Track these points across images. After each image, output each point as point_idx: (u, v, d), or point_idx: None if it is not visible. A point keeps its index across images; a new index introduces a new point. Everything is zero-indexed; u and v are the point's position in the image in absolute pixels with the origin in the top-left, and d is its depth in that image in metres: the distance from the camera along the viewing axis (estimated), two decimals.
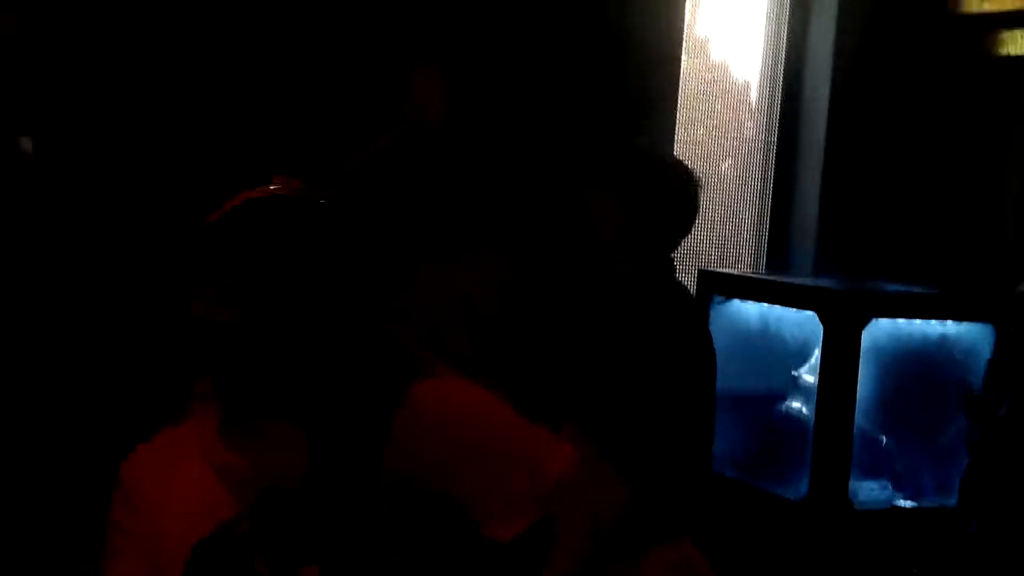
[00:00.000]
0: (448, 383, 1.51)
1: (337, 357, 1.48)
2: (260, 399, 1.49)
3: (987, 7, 3.55)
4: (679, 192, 2.32)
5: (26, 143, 2.50)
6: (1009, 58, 3.58)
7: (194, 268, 1.45)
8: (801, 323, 3.15)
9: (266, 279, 1.44)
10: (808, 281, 3.43)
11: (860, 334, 2.95)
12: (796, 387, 3.17)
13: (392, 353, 1.52)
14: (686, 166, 2.43)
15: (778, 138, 3.75)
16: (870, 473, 3.06)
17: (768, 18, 3.73)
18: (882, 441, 3.11)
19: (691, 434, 2.24)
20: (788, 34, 3.72)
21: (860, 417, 2.98)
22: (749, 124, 3.77)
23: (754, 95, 3.77)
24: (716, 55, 3.66)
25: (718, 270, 3.48)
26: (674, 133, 3.40)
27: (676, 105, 3.42)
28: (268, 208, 1.49)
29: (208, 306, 1.44)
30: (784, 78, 3.74)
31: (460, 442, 1.47)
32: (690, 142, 3.50)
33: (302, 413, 1.48)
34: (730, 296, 3.28)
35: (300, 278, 1.45)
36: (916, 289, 3.29)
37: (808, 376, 3.14)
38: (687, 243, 3.53)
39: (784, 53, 3.73)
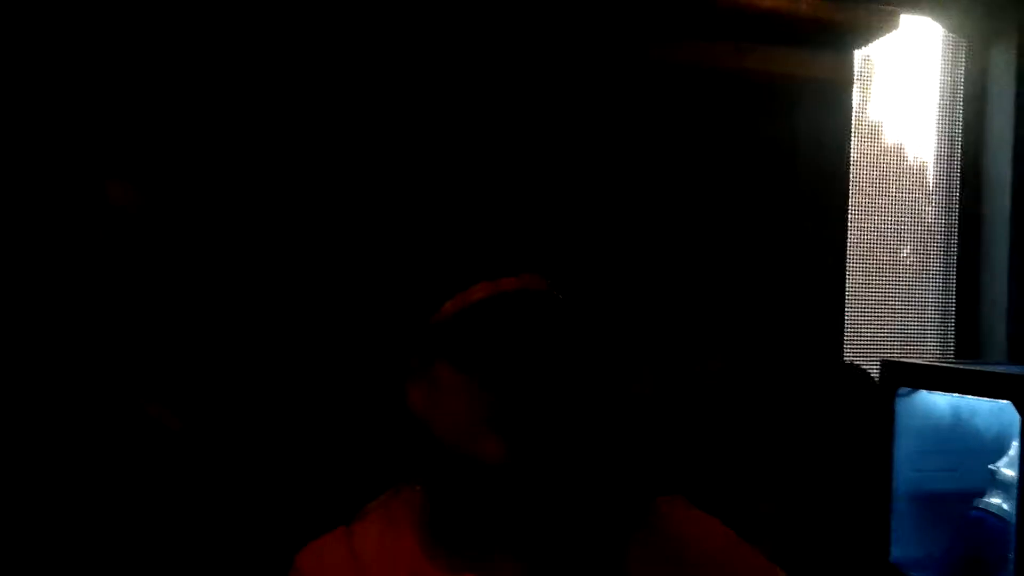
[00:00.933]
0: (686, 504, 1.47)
1: (574, 485, 1.38)
2: (484, 525, 1.33)
3: None
4: None
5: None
6: None
7: (418, 363, 1.31)
8: (996, 413, 2.97)
9: (520, 387, 1.28)
10: (1001, 368, 3.25)
11: None
12: (994, 482, 2.99)
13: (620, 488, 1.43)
14: None
15: (959, 221, 3.61)
16: None
17: (942, 98, 3.62)
18: None
19: None
20: (963, 113, 3.60)
21: None
22: (927, 208, 3.64)
23: (931, 178, 3.64)
24: (889, 139, 3.55)
25: (903, 360, 3.32)
26: (846, 220, 3.30)
27: (848, 191, 3.32)
28: (515, 303, 1.31)
29: (472, 433, 1.29)
30: (962, 159, 3.61)
31: (708, 556, 1.43)
32: (865, 228, 3.39)
33: (525, 544, 1.35)
34: (917, 387, 3.13)
35: (550, 387, 1.30)
36: None
37: (1007, 470, 2.95)
38: (869, 334, 3.43)
39: (961, 133, 3.61)
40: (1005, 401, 2.88)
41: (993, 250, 3.59)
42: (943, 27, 3.55)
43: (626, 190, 2.93)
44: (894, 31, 3.32)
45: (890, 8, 3.20)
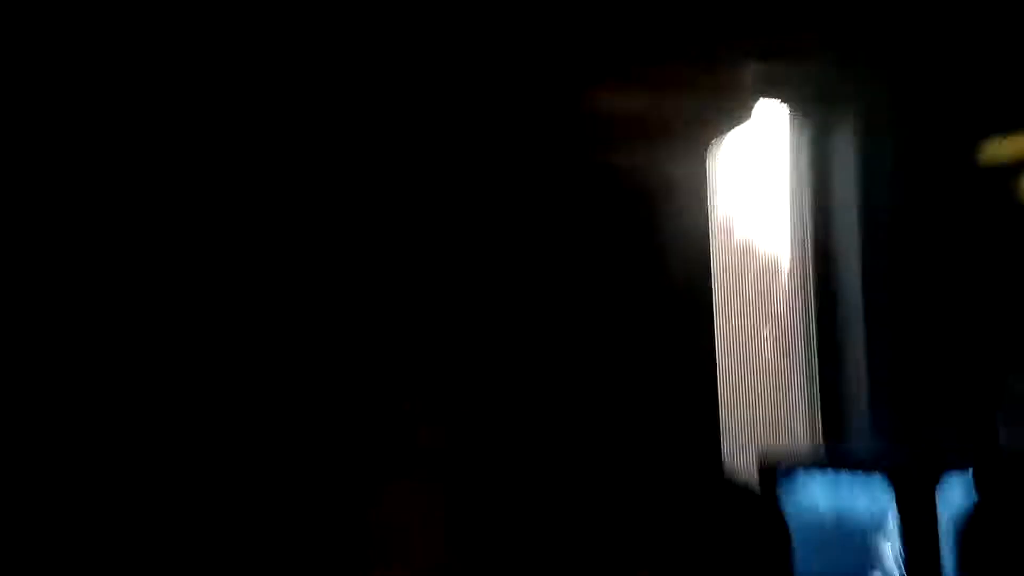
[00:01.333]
0: None
1: None
2: None
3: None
4: None
5: None
6: None
7: None
8: (871, 488, 3.05)
9: None
10: (871, 445, 3.35)
11: (935, 491, 2.87)
12: (876, 556, 3.06)
13: None
14: None
15: (816, 304, 3.70)
16: None
17: (792, 181, 3.72)
18: None
19: None
20: (812, 196, 3.71)
21: None
22: (785, 293, 3.73)
23: (786, 264, 3.74)
24: (745, 228, 3.63)
25: (774, 447, 3.39)
26: (712, 313, 3.33)
27: (711, 285, 3.36)
28: None
29: None
30: (813, 241, 3.71)
31: None
32: (729, 316, 3.45)
33: None
34: (792, 470, 3.19)
35: None
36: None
37: (885, 543, 3.03)
38: (737, 421, 3.47)
39: (810, 217, 3.71)
40: (880, 475, 2.97)
41: (850, 328, 3.68)
42: (789, 111, 3.67)
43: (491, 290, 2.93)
44: (746, 122, 3.36)
45: (741, 101, 3.26)
